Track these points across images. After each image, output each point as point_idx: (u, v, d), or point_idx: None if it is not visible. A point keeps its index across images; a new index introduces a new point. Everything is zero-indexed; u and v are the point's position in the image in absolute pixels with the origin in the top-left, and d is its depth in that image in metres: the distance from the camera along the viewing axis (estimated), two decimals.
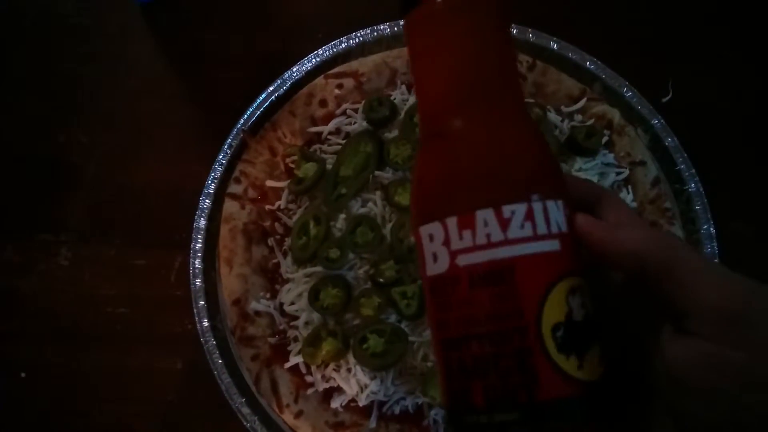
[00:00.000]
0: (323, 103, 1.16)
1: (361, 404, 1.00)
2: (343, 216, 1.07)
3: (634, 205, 1.10)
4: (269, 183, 1.12)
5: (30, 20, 1.35)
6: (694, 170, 1.12)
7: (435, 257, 0.56)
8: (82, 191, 1.22)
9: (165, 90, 1.30)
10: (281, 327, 1.05)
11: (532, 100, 1.14)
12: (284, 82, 1.19)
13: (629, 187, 1.11)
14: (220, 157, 1.14)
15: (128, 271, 1.15)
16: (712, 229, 1.09)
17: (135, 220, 1.19)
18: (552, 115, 1.13)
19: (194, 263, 1.09)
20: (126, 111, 1.27)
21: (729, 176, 1.16)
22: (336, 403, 1.01)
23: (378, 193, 1.08)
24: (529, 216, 0.53)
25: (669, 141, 1.13)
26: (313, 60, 1.20)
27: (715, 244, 1.08)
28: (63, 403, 1.10)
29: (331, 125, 1.14)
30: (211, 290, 1.09)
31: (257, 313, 1.05)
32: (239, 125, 1.16)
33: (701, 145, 1.14)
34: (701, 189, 1.11)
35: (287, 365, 1.03)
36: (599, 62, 1.18)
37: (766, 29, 1.29)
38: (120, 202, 1.21)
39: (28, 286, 1.16)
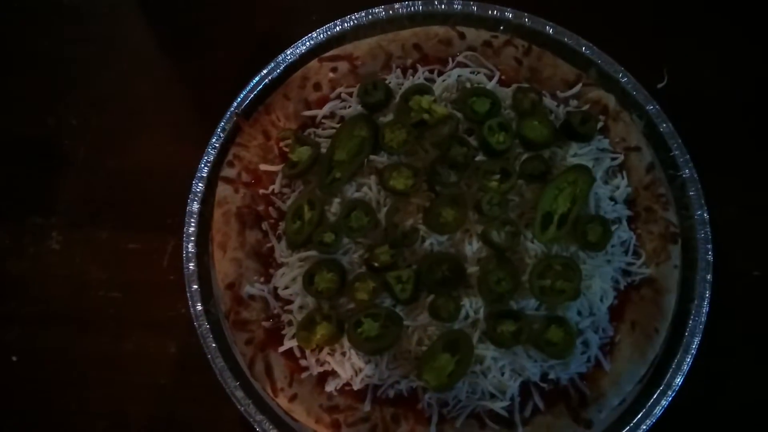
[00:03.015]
0: (317, 86, 1.15)
1: (355, 388, 1.00)
2: (337, 200, 1.07)
3: (629, 190, 1.10)
4: (263, 167, 1.11)
5: (20, 1, 1.33)
6: (688, 156, 1.12)
7: None
8: (73, 174, 1.21)
9: (157, 72, 1.29)
10: (275, 311, 1.05)
11: (527, 85, 1.14)
12: (278, 65, 1.18)
13: (624, 172, 1.11)
14: (213, 140, 1.13)
15: (120, 255, 1.15)
16: (705, 215, 1.09)
17: (127, 204, 1.18)
18: (547, 100, 1.13)
19: (187, 247, 1.08)
20: (117, 93, 1.26)
21: (722, 162, 1.16)
22: (330, 387, 1.01)
23: (373, 177, 1.07)
24: None
25: (664, 127, 1.13)
26: (307, 43, 1.19)
27: (708, 229, 1.09)
28: (55, 386, 1.10)
29: (326, 109, 1.13)
30: (205, 274, 1.08)
31: (251, 297, 1.05)
32: (232, 108, 1.14)
33: (695, 131, 1.14)
34: (695, 175, 1.11)
35: (281, 349, 1.02)
36: (595, 48, 1.18)
37: (763, 16, 1.29)
38: (111, 185, 1.20)
39: (19, 269, 1.15)
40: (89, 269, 1.14)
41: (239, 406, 1.00)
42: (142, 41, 1.31)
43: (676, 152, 1.12)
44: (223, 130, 1.13)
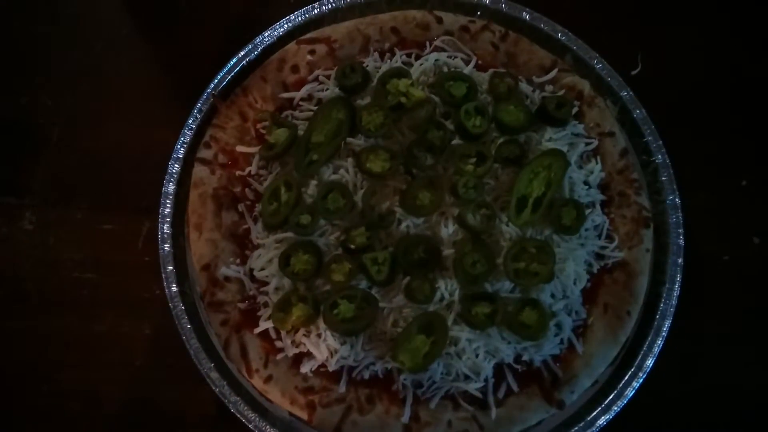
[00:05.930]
0: (295, 68, 1.15)
1: (330, 369, 1.00)
2: (314, 182, 1.07)
3: (603, 175, 1.11)
4: (240, 148, 1.11)
5: None
6: (661, 142, 1.13)
7: None
8: (47, 154, 1.19)
9: (133, 52, 1.27)
10: (251, 292, 1.05)
11: (504, 70, 1.14)
12: (255, 46, 1.17)
13: (598, 157, 1.12)
14: (190, 121, 1.12)
15: (95, 236, 1.14)
16: (677, 200, 1.11)
17: (102, 185, 1.17)
18: (523, 85, 1.14)
19: (163, 228, 1.07)
20: (92, 73, 1.24)
21: (694, 148, 1.18)
22: (306, 368, 1.01)
23: (350, 159, 1.07)
24: None
25: (637, 113, 1.15)
26: (285, 25, 1.18)
27: (680, 214, 1.10)
28: (27, 368, 1.09)
29: (303, 91, 1.13)
30: (180, 256, 1.07)
31: (227, 278, 1.05)
32: (209, 90, 1.14)
33: (668, 117, 1.15)
34: (668, 160, 1.13)
35: (257, 330, 1.02)
36: (571, 34, 1.19)
37: (736, 3, 1.31)
38: (86, 165, 1.18)
39: None
40: (63, 250, 1.13)
41: (214, 387, 1.00)
42: (118, 21, 1.29)
43: (649, 138, 1.14)
44: (200, 111, 1.13)
